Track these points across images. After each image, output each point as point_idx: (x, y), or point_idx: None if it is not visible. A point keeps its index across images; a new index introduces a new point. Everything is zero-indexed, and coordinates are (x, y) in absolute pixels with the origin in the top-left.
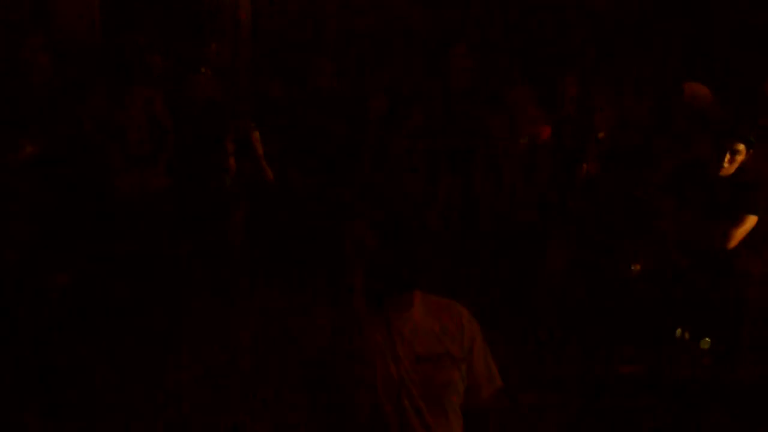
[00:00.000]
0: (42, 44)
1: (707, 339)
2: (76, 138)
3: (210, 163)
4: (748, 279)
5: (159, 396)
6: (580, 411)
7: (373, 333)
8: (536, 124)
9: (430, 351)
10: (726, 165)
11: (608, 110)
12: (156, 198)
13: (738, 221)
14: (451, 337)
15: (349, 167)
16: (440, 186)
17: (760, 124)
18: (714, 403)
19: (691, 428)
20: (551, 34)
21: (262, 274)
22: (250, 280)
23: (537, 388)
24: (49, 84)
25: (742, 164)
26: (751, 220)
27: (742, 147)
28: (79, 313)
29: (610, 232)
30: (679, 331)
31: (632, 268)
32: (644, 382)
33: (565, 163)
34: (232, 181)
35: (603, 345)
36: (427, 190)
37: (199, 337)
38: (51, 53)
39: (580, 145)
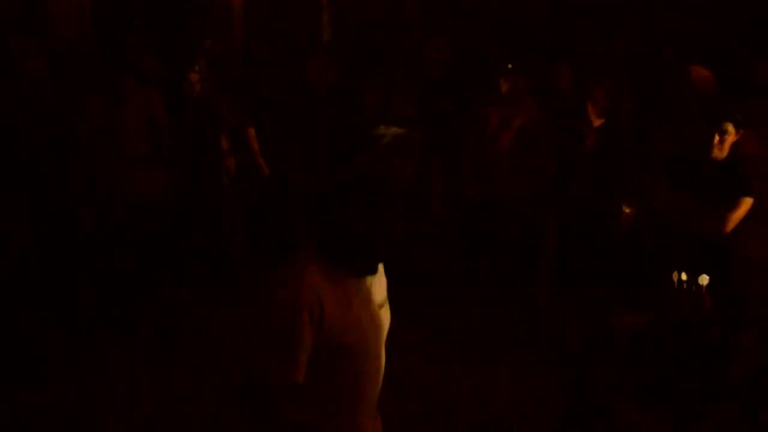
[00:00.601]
0: (36, 46)
1: (705, 275)
2: (71, 139)
3: (206, 161)
4: (747, 263)
5: (158, 393)
6: (582, 368)
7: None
8: (530, 113)
9: (382, 297)
10: (716, 146)
11: (603, 99)
12: (152, 197)
13: (733, 204)
14: (383, 281)
15: (342, 159)
16: (433, 177)
17: (754, 106)
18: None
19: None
20: (544, 22)
21: (262, 270)
22: (249, 276)
23: (538, 349)
24: (43, 86)
25: (735, 146)
26: (747, 203)
27: (730, 127)
28: (75, 311)
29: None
30: (675, 274)
31: (624, 210)
32: (647, 331)
33: (561, 150)
34: (230, 180)
35: (603, 299)
36: (420, 180)
37: (199, 335)
38: (45, 55)
39: (576, 134)
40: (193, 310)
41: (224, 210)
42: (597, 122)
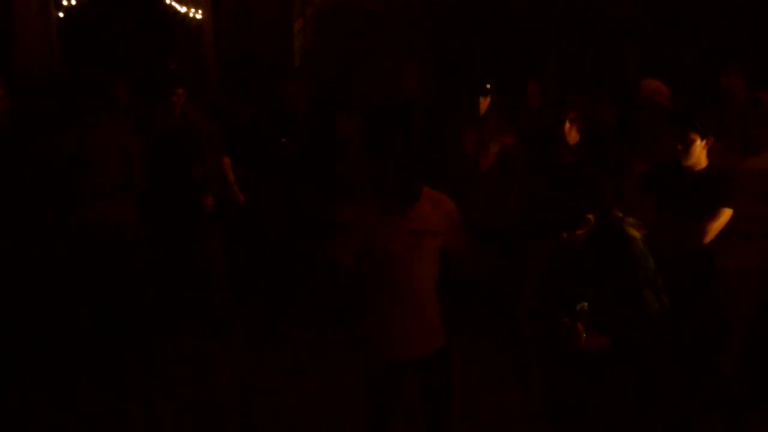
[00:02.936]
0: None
1: (584, 303)
2: (43, 170)
3: (181, 191)
4: (728, 274)
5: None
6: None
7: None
8: (504, 133)
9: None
10: (680, 153)
11: (578, 119)
12: (127, 228)
13: (712, 215)
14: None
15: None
16: None
17: (721, 117)
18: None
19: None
20: (516, 43)
21: (243, 299)
22: (231, 306)
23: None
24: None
25: (711, 155)
26: (726, 214)
27: (693, 135)
28: (51, 345)
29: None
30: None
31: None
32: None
33: (538, 169)
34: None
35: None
36: None
37: (179, 367)
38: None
39: (551, 153)
40: (173, 343)
41: (201, 241)
42: (574, 141)
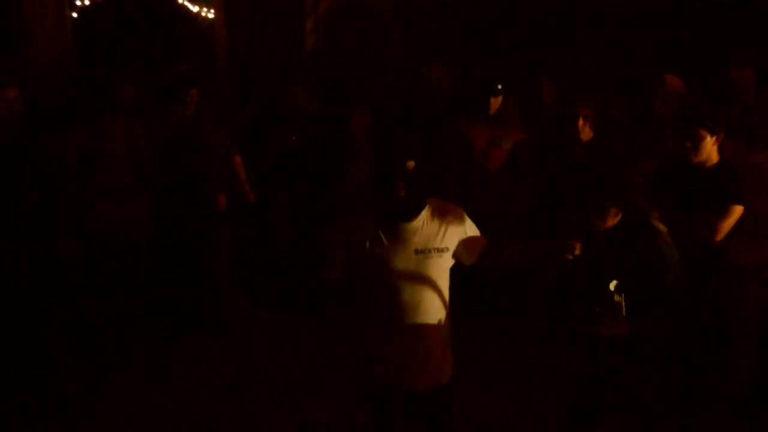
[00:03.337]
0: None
1: (615, 281)
2: (55, 170)
3: (194, 191)
4: (741, 271)
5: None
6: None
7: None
8: (516, 130)
9: (425, 245)
10: (690, 150)
11: (591, 115)
12: (137, 228)
13: (724, 213)
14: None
15: (332, 185)
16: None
17: (730, 112)
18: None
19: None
20: (527, 38)
21: (250, 299)
22: (237, 306)
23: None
24: (21, 118)
25: (722, 152)
26: (737, 211)
27: (703, 132)
28: (61, 343)
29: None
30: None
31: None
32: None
33: (549, 166)
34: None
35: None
36: None
37: (183, 368)
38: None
39: (564, 150)
40: (178, 343)
41: (211, 240)
42: (587, 137)
